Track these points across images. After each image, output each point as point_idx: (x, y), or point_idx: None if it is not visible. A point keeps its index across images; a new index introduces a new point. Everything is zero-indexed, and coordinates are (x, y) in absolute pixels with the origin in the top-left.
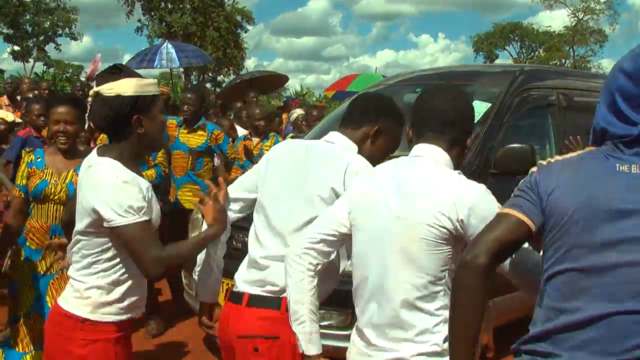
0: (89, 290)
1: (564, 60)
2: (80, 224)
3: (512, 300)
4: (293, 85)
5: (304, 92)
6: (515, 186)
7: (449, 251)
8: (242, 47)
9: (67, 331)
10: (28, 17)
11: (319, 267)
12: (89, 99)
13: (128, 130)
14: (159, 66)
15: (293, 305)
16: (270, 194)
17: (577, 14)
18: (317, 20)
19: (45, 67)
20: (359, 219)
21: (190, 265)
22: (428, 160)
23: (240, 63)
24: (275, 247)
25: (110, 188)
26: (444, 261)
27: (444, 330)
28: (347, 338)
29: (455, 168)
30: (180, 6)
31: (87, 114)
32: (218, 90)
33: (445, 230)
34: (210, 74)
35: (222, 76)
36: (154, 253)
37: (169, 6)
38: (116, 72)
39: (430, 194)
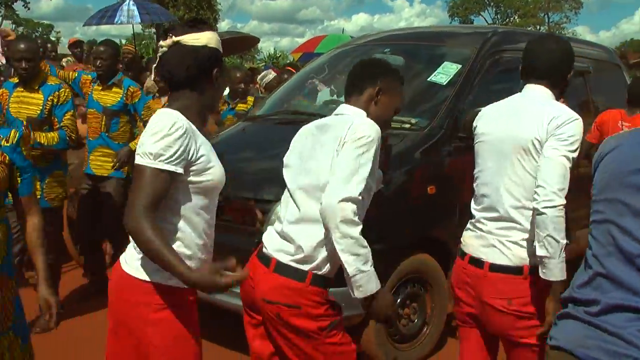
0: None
1: (538, 27)
2: None
3: None
4: (267, 48)
5: (278, 55)
6: None
7: None
8: (215, 8)
9: (141, 296)
10: None
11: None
12: (162, 49)
13: (202, 84)
14: (119, 22)
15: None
16: (291, 171)
17: None
18: None
19: (13, 25)
20: None
21: None
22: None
23: (213, 25)
24: (301, 222)
25: (148, 133)
26: None
27: None
28: None
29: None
30: None
31: (154, 65)
32: None
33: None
34: None
35: None
36: (141, 206)
37: None
38: (197, 24)
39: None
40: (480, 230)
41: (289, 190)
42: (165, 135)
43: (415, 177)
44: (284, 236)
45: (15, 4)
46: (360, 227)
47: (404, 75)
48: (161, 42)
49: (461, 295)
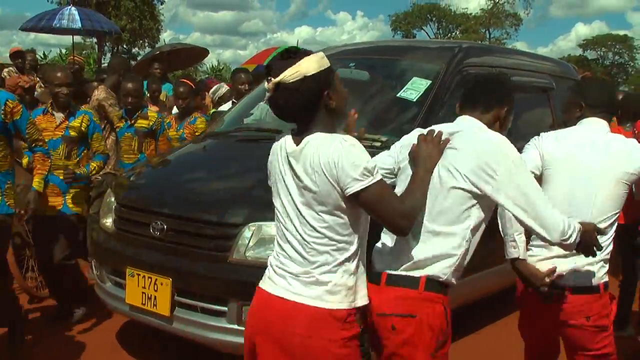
0: (343, 278)
1: (480, 42)
2: (315, 209)
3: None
4: (210, 60)
5: (221, 67)
6: None
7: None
8: (158, 19)
9: (327, 331)
10: None
11: None
12: (267, 93)
13: (319, 111)
14: (57, 25)
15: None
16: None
17: None
18: None
19: None
20: None
21: (97, 251)
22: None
23: (155, 35)
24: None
25: (342, 156)
26: None
27: None
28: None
29: None
30: None
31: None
32: (133, 63)
33: None
34: (124, 46)
35: (137, 48)
36: (398, 207)
37: None
38: (291, 56)
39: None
40: (552, 256)
41: None
42: (362, 150)
43: None
44: (392, 249)
45: None
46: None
47: (369, 91)
48: (266, 86)
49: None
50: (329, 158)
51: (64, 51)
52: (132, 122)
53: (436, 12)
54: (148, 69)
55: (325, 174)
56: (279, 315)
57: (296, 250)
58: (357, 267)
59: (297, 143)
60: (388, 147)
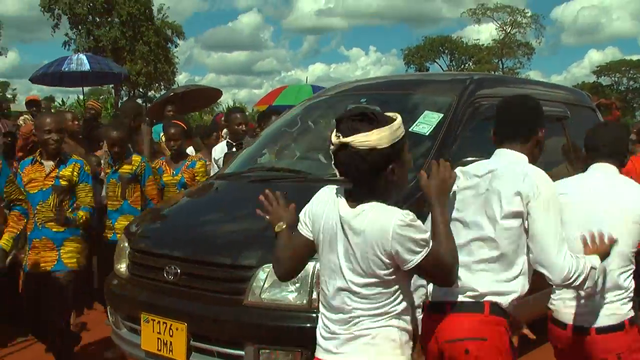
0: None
1: (493, 72)
2: (369, 274)
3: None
4: (225, 100)
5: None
6: None
7: None
8: (172, 61)
9: None
10: None
11: None
12: (332, 146)
13: (380, 181)
14: (66, 69)
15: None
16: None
17: (504, 28)
18: (248, 34)
19: None
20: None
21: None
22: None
23: (171, 78)
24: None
25: (402, 232)
26: None
27: None
28: None
29: None
30: (109, 20)
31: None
32: (149, 105)
33: None
34: (140, 90)
35: (153, 92)
36: (449, 265)
37: (97, 19)
38: (366, 120)
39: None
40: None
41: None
42: (419, 224)
43: None
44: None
45: None
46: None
47: None
48: (332, 139)
49: None
50: (387, 232)
51: (81, 97)
52: (116, 168)
53: (448, 44)
54: (162, 111)
55: (379, 247)
56: None
57: (341, 311)
58: (406, 324)
59: (352, 207)
60: None
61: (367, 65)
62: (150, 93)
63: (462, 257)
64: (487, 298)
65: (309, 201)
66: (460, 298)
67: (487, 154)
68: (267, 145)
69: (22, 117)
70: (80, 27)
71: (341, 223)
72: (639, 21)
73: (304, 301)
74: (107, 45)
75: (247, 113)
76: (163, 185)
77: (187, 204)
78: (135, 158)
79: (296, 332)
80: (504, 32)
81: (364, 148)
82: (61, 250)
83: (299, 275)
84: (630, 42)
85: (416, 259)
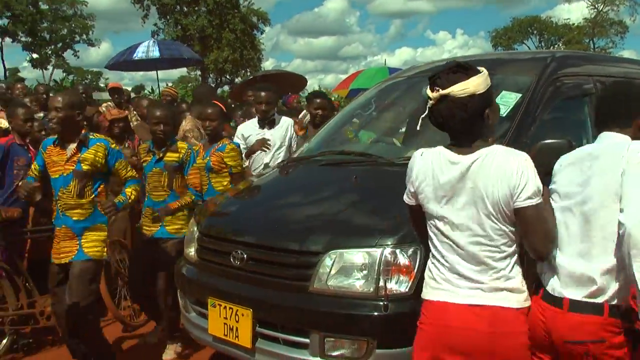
0: (521, 281)
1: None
2: (493, 217)
3: None
4: (312, 85)
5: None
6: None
7: None
8: (258, 48)
9: (512, 326)
10: (46, 24)
11: None
12: (430, 101)
13: (477, 126)
14: (137, 57)
15: None
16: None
17: (596, 6)
18: (334, 19)
19: (64, 74)
20: None
21: (181, 281)
22: None
23: (257, 64)
24: (596, 256)
25: (525, 171)
26: None
27: None
28: None
29: None
30: (196, 9)
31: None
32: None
33: None
34: (227, 77)
35: (239, 78)
36: (552, 231)
37: (184, 9)
38: (460, 71)
39: None
40: None
41: (565, 225)
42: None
43: None
44: (571, 272)
45: (65, 52)
46: None
47: None
48: (429, 94)
49: None
50: (513, 170)
51: (170, 84)
52: (161, 155)
53: (537, 25)
54: (243, 96)
55: (506, 184)
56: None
57: (468, 259)
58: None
59: (464, 154)
60: None
61: (454, 48)
62: (237, 80)
63: (579, 245)
64: (606, 299)
65: (380, 185)
66: (581, 297)
67: (569, 136)
68: (340, 128)
69: (104, 104)
70: (168, 16)
71: (459, 172)
72: None
73: (371, 289)
74: (194, 34)
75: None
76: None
77: (256, 187)
78: (181, 145)
79: (363, 320)
80: (595, 10)
81: (464, 96)
82: (82, 240)
83: (366, 262)
84: None
85: (528, 202)
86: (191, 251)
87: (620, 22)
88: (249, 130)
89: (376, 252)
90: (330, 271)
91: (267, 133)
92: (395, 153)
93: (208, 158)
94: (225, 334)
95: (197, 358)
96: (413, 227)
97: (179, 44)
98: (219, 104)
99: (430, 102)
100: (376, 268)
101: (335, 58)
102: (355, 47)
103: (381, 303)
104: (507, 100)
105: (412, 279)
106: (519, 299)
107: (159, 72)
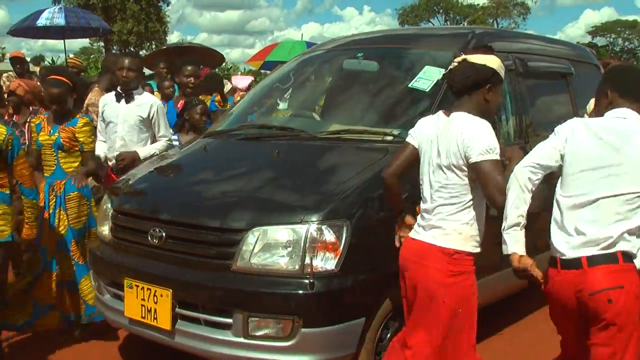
0: (463, 226)
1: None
2: (446, 170)
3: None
4: None
5: (229, 67)
6: None
7: None
8: (164, 20)
9: (436, 263)
10: None
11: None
12: (453, 64)
13: (477, 96)
14: (40, 24)
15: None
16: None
17: None
18: None
19: None
20: None
21: (94, 261)
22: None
23: (162, 37)
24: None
25: (473, 131)
26: None
27: None
28: (285, 351)
29: None
30: None
31: (444, 75)
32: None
33: None
34: (132, 49)
35: (144, 51)
36: (501, 183)
37: None
38: (488, 49)
39: None
40: None
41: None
42: (491, 133)
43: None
44: (582, 235)
45: None
46: None
47: (379, 82)
48: (455, 60)
49: None
50: (466, 133)
51: (71, 56)
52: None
53: (443, 3)
54: (154, 68)
55: (458, 145)
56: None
57: (428, 203)
58: (470, 219)
59: (447, 116)
60: (400, 142)
61: (361, 24)
62: (142, 52)
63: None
64: (617, 248)
65: (303, 160)
66: (595, 252)
67: None
68: (259, 101)
69: (5, 75)
70: None
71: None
72: None
73: (296, 266)
74: (97, 4)
75: (239, 72)
76: (39, 145)
77: (174, 163)
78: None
79: (288, 299)
80: None
81: (477, 63)
82: None
83: (291, 238)
84: (626, 2)
85: (478, 158)
86: (104, 230)
87: (523, 3)
88: (106, 100)
89: (302, 228)
90: (253, 249)
91: (121, 107)
92: (316, 127)
93: (57, 134)
94: (143, 316)
95: (108, 340)
96: None
97: (86, 11)
98: (64, 79)
99: (454, 64)
100: (302, 245)
101: (242, 32)
102: (262, 21)
103: (307, 281)
104: (430, 75)
105: (338, 256)
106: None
107: (60, 42)
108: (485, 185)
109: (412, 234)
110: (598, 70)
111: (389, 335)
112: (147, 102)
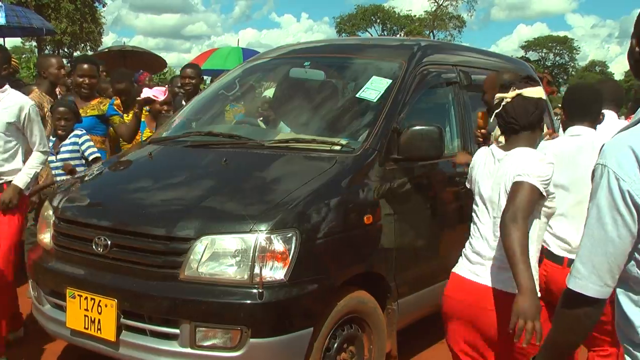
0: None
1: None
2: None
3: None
4: None
5: (165, 71)
6: (423, 173)
7: None
8: (99, 21)
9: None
10: None
11: None
12: (505, 99)
13: (538, 130)
14: None
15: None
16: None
17: (437, 0)
18: None
19: None
20: None
21: (34, 270)
22: None
23: (97, 39)
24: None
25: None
26: None
27: None
28: None
29: None
30: None
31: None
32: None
33: None
34: (66, 50)
35: (78, 52)
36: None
37: None
38: (530, 80)
39: None
40: None
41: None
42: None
43: (350, 205)
44: (571, 240)
45: None
46: None
47: (326, 91)
48: (504, 95)
49: None
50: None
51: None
52: None
53: (380, 14)
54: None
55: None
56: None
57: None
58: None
59: (506, 150)
60: (349, 151)
61: (299, 32)
62: (76, 53)
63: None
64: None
65: (252, 168)
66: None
67: (435, 122)
68: (204, 108)
69: None
70: None
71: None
72: None
73: (245, 276)
74: (30, 2)
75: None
76: None
77: (119, 169)
78: None
79: (236, 308)
80: (436, 3)
81: (534, 97)
82: None
83: (240, 248)
84: (558, 18)
85: (517, 178)
86: (46, 237)
87: (459, 16)
88: None
89: (251, 238)
90: (202, 258)
91: None
92: (263, 135)
93: None
94: (86, 327)
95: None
96: None
97: (28, 10)
98: None
99: (506, 99)
100: (250, 254)
101: (179, 36)
102: (199, 26)
103: (255, 291)
104: (377, 85)
105: (287, 266)
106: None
107: None
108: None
109: (468, 275)
110: (537, 83)
111: (336, 345)
112: (15, 103)
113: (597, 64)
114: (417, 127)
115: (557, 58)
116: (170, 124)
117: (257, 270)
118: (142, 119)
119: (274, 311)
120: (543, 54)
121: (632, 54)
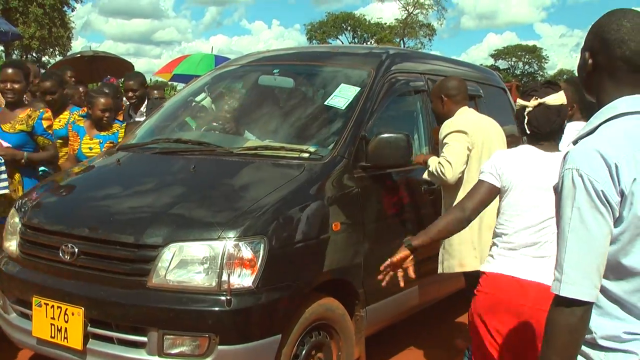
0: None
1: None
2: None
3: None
4: None
5: None
6: (391, 181)
7: None
8: (68, 26)
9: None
10: None
11: None
12: (528, 108)
13: (559, 135)
14: None
15: None
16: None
17: (407, 8)
18: (148, 2)
19: None
20: None
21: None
22: None
23: (66, 43)
24: None
25: None
26: None
27: None
28: None
29: None
30: None
31: (521, 121)
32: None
33: None
34: (34, 54)
35: (47, 57)
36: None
37: None
38: (551, 87)
39: None
40: None
41: None
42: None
43: (318, 212)
44: None
45: None
46: None
47: (295, 98)
48: (526, 103)
49: None
50: None
51: None
52: None
53: (351, 21)
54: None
55: None
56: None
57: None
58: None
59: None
60: (317, 158)
61: (270, 39)
62: (45, 58)
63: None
64: None
65: (220, 175)
66: None
67: (403, 130)
68: (173, 115)
69: None
70: None
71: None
72: (536, 8)
73: (213, 283)
74: None
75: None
76: None
77: (86, 176)
78: None
79: (204, 316)
80: (406, 12)
81: (556, 104)
82: None
83: (208, 255)
84: (527, 28)
85: None
86: (12, 245)
87: (429, 25)
88: None
89: (219, 245)
90: (169, 265)
91: None
92: (232, 142)
93: None
94: (53, 335)
95: None
96: None
97: None
98: None
99: (528, 109)
100: (218, 261)
101: (149, 42)
102: (169, 32)
103: (223, 298)
104: (345, 93)
105: (255, 273)
106: None
107: None
108: None
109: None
110: (505, 93)
111: (304, 352)
112: None
113: (565, 73)
114: (385, 135)
115: (526, 67)
116: (139, 130)
117: (225, 277)
118: (81, 125)
119: (242, 318)
120: (512, 63)
121: (585, 66)
